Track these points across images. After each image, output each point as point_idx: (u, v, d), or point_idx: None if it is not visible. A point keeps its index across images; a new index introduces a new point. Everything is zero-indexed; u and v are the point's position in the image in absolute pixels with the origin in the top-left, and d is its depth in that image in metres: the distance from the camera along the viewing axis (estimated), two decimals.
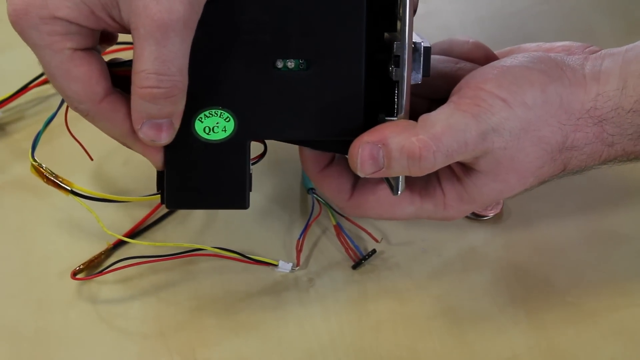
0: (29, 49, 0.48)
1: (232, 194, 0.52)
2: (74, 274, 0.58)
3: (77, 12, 0.46)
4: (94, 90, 0.48)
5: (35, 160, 0.56)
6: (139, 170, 0.64)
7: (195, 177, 0.52)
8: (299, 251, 0.60)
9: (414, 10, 0.50)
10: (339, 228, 0.60)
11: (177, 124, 0.49)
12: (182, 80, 0.47)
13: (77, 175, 0.62)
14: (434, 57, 0.55)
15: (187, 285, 0.59)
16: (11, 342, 0.56)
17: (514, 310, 0.57)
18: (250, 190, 0.52)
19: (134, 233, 0.61)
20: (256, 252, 0.60)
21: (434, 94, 0.54)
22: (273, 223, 0.62)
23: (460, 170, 0.53)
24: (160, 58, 0.45)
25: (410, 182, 0.54)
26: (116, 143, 0.51)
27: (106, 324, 0.57)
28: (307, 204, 0.62)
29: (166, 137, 0.49)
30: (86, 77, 0.48)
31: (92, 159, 0.61)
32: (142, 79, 0.46)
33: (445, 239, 0.61)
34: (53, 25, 0.46)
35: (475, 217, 0.62)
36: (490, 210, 0.62)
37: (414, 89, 0.51)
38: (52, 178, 0.56)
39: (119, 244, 0.60)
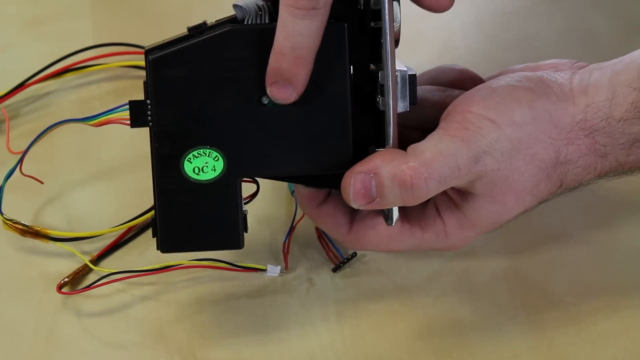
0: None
1: (226, 234, 0.51)
2: (60, 288, 0.57)
3: None
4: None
5: (5, 216, 0.55)
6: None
7: (188, 220, 0.51)
8: (285, 254, 0.59)
9: (396, 41, 0.50)
10: (320, 231, 0.60)
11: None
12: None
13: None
14: (421, 88, 0.55)
15: (186, 286, 0.58)
16: (11, 342, 0.56)
17: (514, 311, 0.57)
18: (246, 231, 0.52)
19: (118, 244, 0.60)
20: (245, 257, 0.59)
21: (425, 124, 0.54)
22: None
23: (457, 196, 0.53)
24: None
25: (409, 214, 0.54)
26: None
27: (106, 324, 0.57)
28: (291, 206, 0.62)
29: (294, 93, 0.49)
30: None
31: (42, 183, 0.60)
32: None
33: None
34: None
35: None
36: None
37: (406, 120, 0.51)
38: (28, 230, 0.56)
39: (105, 254, 0.60)
